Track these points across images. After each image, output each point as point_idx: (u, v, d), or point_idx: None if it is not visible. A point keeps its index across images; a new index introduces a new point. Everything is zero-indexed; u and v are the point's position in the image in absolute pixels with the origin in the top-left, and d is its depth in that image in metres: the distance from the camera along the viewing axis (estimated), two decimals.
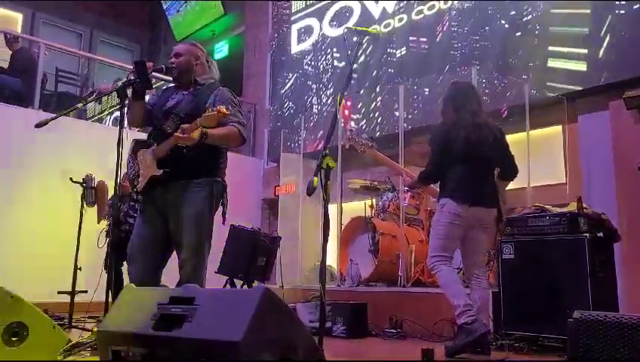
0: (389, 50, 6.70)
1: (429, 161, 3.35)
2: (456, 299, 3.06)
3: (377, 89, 6.69)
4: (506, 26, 5.58)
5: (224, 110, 2.57)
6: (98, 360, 1.90)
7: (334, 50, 7.43)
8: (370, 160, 4.31)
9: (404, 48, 6.54)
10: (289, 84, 8.08)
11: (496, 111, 5.01)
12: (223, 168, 2.91)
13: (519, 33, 5.45)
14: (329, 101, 7.34)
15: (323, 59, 7.60)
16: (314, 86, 7.66)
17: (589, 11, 4.95)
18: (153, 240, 2.76)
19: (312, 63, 7.76)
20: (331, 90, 7.35)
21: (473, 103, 3.37)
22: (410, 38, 6.50)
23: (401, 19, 6.69)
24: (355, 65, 2.67)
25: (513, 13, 5.55)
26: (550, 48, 5.17)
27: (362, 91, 6.79)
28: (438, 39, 6.23)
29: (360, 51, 2.77)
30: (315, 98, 7.59)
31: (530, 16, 5.40)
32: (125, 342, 1.80)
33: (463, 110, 3.30)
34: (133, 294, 1.99)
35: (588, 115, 4.85)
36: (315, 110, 7.51)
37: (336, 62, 7.36)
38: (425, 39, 6.37)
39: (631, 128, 4.32)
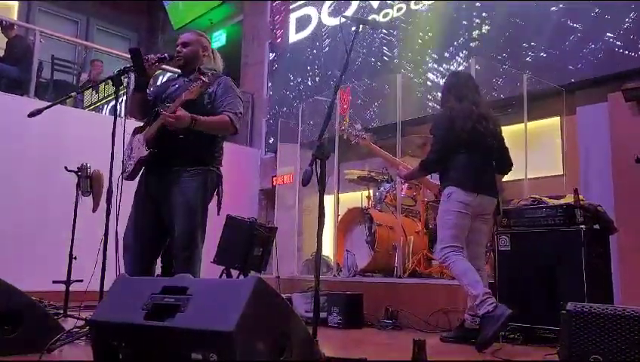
0: (387, 39, 6.66)
1: (432, 148, 3.32)
2: (474, 288, 2.99)
3: (375, 78, 6.65)
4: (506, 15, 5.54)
5: (204, 79, 2.61)
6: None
7: (332, 39, 7.38)
8: (366, 150, 4.28)
9: (402, 37, 6.50)
10: (287, 73, 8.04)
11: (495, 102, 4.99)
12: (219, 158, 2.88)
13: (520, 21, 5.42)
14: (327, 90, 7.30)
15: (321, 48, 7.56)
16: (312, 75, 7.62)
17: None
18: (147, 229, 2.75)
19: (310, 52, 7.71)
20: (329, 79, 7.30)
21: (474, 93, 3.36)
22: (409, 27, 6.47)
23: (400, 9, 6.64)
24: (352, 55, 2.63)
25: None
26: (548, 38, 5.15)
27: (360, 81, 6.75)
28: (436, 28, 6.19)
29: (358, 41, 2.74)
30: (313, 87, 7.55)
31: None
32: (117, 331, 1.79)
33: (465, 100, 3.28)
34: (125, 284, 1.99)
35: (586, 106, 4.83)
36: (312, 99, 7.47)
37: (334, 52, 7.31)
38: (423, 28, 6.33)
39: (629, 120, 4.31)
